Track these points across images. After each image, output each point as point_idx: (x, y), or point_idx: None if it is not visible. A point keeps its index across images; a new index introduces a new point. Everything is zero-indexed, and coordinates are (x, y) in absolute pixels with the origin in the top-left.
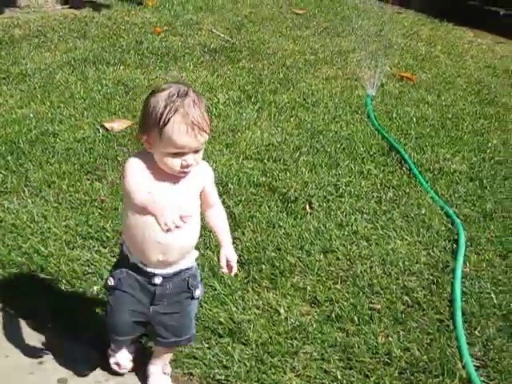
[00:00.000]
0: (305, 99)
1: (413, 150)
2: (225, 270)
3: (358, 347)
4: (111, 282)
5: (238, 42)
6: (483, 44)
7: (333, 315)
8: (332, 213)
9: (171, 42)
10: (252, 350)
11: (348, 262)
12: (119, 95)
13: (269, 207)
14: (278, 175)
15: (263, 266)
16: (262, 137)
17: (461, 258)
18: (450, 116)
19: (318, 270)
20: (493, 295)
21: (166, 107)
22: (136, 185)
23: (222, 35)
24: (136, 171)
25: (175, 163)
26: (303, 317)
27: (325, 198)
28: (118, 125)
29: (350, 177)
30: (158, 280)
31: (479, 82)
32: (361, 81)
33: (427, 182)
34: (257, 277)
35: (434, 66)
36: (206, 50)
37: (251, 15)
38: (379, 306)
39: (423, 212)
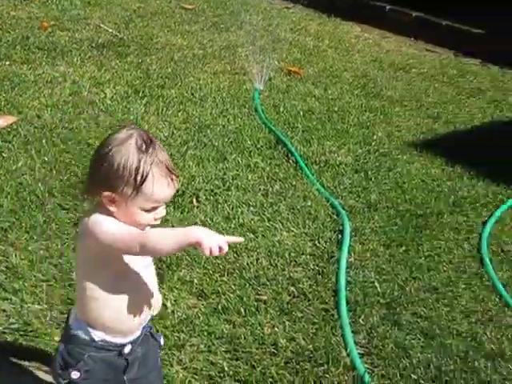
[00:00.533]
0: (193, 94)
1: (299, 142)
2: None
3: (245, 338)
4: (76, 375)
5: (126, 36)
6: (370, 38)
7: (219, 307)
8: (219, 206)
9: (58, 37)
10: None
11: (235, 255)
12: (4, 91)
13: None
14: None
15: None
16: (149, 131)
17: (345, 249)
18: (336, 109)
19: (205, 263)
20: (377, 284)
21: (140, 161)
22: (124, 227)
23: (110, 30)
24: (111, 219)
25: (148, 218)
26: (190, 310)
27: (212, 191)
28: (3, 121)
29: (237, 170)
30: (127, 349)
31: (365, 75)
32: (249, 75)
33: (313, 175)
34: None
35: (321, 60)
36: (93, 45)
37: (140, 10)
38: (265, 297)
39: (309, 204)
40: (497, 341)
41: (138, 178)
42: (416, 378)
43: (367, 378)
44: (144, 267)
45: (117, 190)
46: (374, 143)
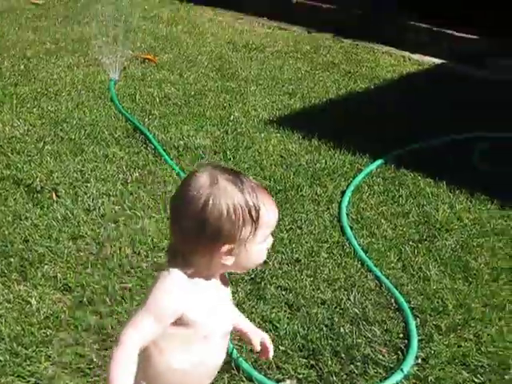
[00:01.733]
0: (47, 89)
1: (157, 129)
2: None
3: (112, 328)
4: None
5: None
6: (223, 21)
7: (85, 299)
8: (79, 199)
9: None
10: (5, 344)
11: (97, 246)
12: None
13: (14, 200)
14: (22, 167)
15: (12, 260)
16: (3, 130)
17: None
18: (192, 93)
19: (68, 256)
20: None
21: (245, 195)
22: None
23: None
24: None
25: (265, 250)
26: (55, 305)
27: (71, 184)
28: None
29: (95, 161)
30: None
31: (220, 57)
32: (103, 66)
33: (172, 159)
34: (6, 271)
35: (175, 45)
36: None
37: None
38: (130, 285)
39: (169, 189)
40: (360, 305)
41: (253, 213)
42: (284, 349)
43: (235, 353)
44: (220, 337)
45: (235, 238)
46: (231, 124)
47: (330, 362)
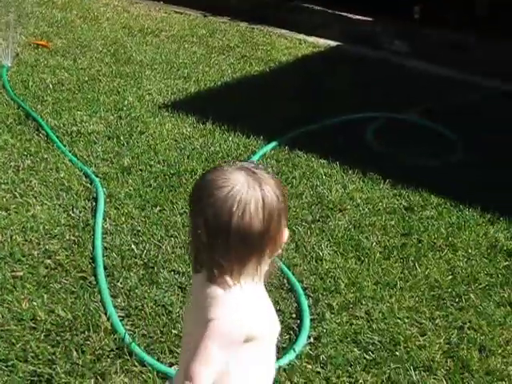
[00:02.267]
0: None
1: (50, 115)
2: None
3: (3, 317)
4: None
5: None
6: (119, 6)
7: None
8: None
9: None
10: None
11: None
12: None
13: None
14: None
15: None
16: None
17: (100, 215)
18: (86, 79)
19: None
20: (133, 246)
21: (266, 194)
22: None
23: None
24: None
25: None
26: None
27: None
28: None
29: None
30: None
31: (115, 42)
32: None
33: (65, 146)
34: None
35: (69, 31)
36: None
37: None
38: (21, 273)
39: (62, 175)
40: None
41: (284, 212)
42: (176, 332)
43: (127, 338)
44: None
45: (278, 234)
46: (125, 108)
47: None
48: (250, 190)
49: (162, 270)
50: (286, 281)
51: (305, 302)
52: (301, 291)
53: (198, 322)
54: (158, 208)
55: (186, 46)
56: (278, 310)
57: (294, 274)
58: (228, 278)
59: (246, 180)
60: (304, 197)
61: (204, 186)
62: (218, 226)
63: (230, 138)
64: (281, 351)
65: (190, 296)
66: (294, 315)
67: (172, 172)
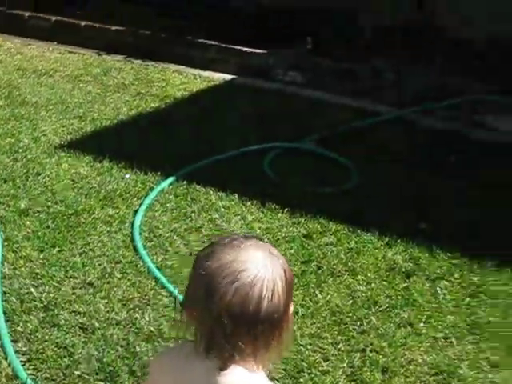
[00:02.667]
0: None
1: None
2: None
3: None
4: None
5: None
6: (12, 48)
7: None
8: None
9: None
10: None
11: None
12: None
13: None
14: None
15: None
16: None
17: None
18: None
19: None
20: (32, 289)
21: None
22: None
23: None
24: None
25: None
26: None
27: None
28: None
29: None
30: None
31: (9, 85)
32: None
33: None
34: None
35: None
36: None
37: None
38: None
39: None
40: (155, 323)
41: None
42: (79, 373)
43: (30, 383)
44: None
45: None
46: (20, 150)
47: (127, 383)
48: (271, 267)
49: (62, 312)
50: None
51: None
52: None
53: None
54: (57, 249)
55: (81, 85)
56: None
57: None
58: (253, 363)
59: (263, 256)
60: (203, 230)
61: (221, 268)
62: (244, 313)
63: (127, 176)
64: None
65: None
66: None
67: (70, 212)
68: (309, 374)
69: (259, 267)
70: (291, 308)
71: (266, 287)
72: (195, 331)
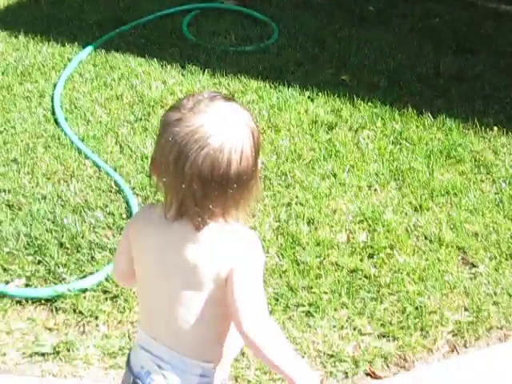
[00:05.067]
0: None
1: None
2: None
3: None
4: None
5: None
6: None
7: None
8: None
9: None
10: None
11: None
12: None
13: None
14: None
15: None
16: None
17: None
18: None
19: None
20: None
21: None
22: None
23: None
24: None
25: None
26: None
27: None
28: None
29: None
30: None
31: None
32: None
33: None
34: None
35: None
36: None
37: None
38: None
39: None
40: (81, 193)
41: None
42: (9, 250)
43: None
44: None
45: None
46: None
47: (56, 255)
48: (238, 128)
49: None
50: (113, 183)
51: (134, 202)
52: (129, 191)
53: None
54: None
55: None
56: (108, 213)
57: (120, 176)
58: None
59: (230, 117)
60: (125, 97)
61: (190, 134)
62: (214, 177)
63: (44, 49)
64: (113, 252)
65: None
66: (124, 215)
67: None
68: None
69: (227, 130)
70: (259, 163)
71: (234, 150)
72: (165, 195)
